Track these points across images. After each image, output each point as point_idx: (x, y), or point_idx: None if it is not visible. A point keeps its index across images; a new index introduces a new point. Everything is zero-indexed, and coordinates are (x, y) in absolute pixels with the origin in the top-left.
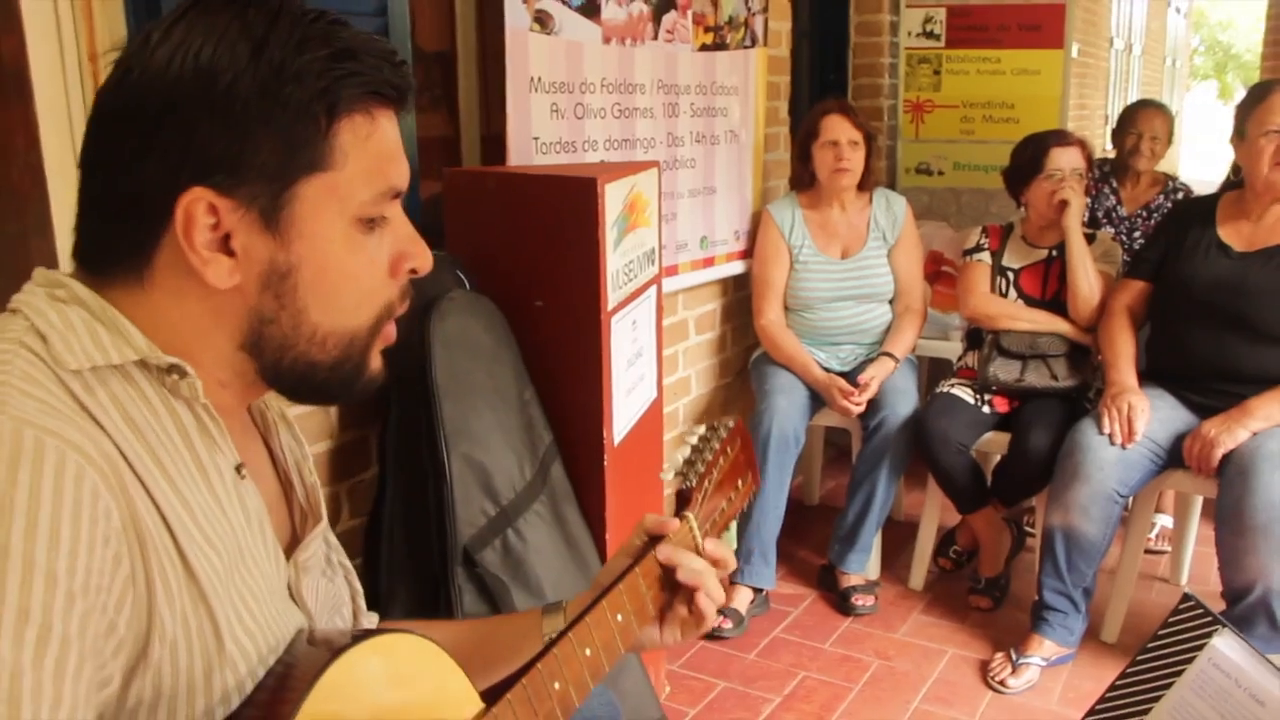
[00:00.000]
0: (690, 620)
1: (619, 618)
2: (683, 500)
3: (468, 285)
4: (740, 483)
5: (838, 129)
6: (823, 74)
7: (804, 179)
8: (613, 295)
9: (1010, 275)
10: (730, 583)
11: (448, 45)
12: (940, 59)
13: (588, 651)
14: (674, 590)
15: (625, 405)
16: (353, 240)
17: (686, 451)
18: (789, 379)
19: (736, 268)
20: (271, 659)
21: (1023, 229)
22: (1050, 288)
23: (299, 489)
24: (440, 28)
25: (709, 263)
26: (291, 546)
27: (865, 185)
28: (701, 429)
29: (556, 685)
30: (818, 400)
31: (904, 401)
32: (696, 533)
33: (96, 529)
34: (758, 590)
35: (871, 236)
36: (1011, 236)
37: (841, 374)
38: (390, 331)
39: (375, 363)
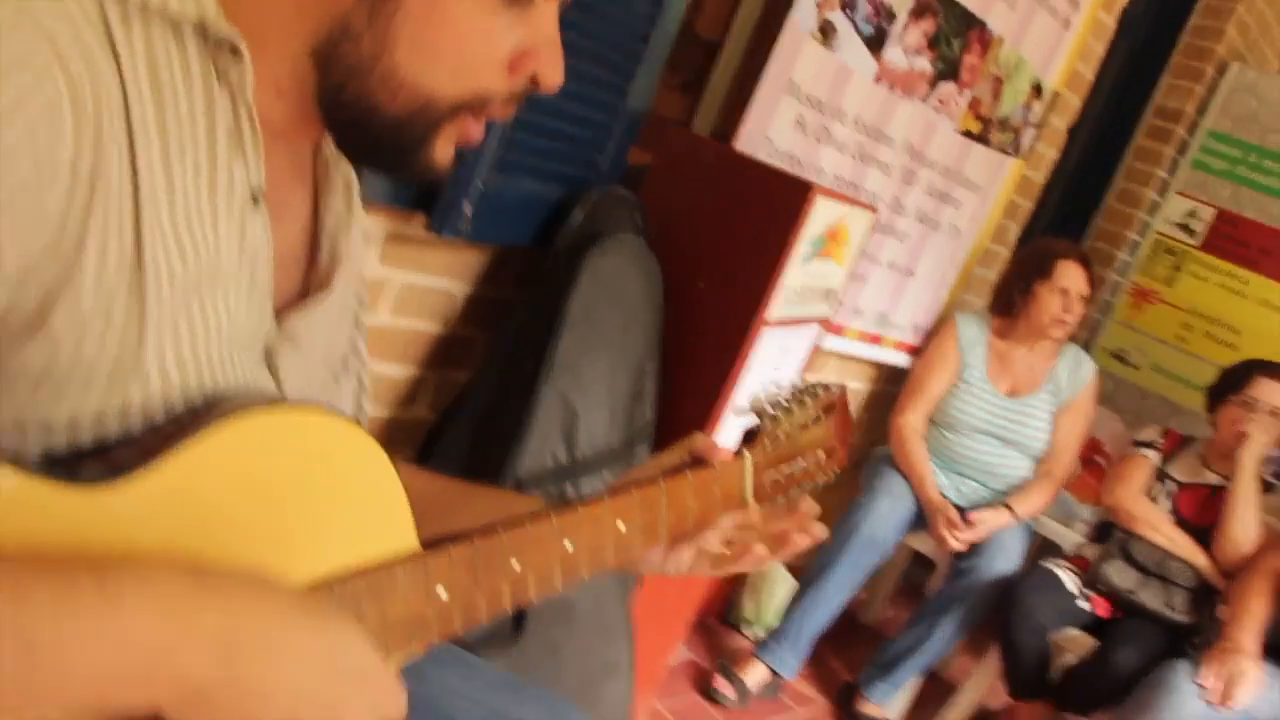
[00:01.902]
0: (703, 556)
1: (620, 525)
2: (748, 439)
3: (644, 236)
4: (823, 455)
5: (1074, 278)
6: (1063, 219)
7: (1009, 308)
8: (777, 306)
9: (1171, 486)
10: (752, 655)
11: (719, 35)
12: (1187, 257)
13: (568, 544)
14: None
15: (734, 423)
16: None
17: (776, 392)
18: (901, 486)
19: (899, 359)
20: (200, 404)
21: (1203, 447)
22: (1207, 516)
23: (325, 255)
24: (720, 18)
25: (875, 340)
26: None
27: (1062, 338)
28: (801, 380)
29: (515, 564)
30: (919, 520)
31: (1004, 559)
32: (748, 477)
33: (36, 143)
34: (776, 674)
35: (1045, 388)
36: (1188, 449)
37: (956, 506)
38: (474, 131)
39: (443, 150)
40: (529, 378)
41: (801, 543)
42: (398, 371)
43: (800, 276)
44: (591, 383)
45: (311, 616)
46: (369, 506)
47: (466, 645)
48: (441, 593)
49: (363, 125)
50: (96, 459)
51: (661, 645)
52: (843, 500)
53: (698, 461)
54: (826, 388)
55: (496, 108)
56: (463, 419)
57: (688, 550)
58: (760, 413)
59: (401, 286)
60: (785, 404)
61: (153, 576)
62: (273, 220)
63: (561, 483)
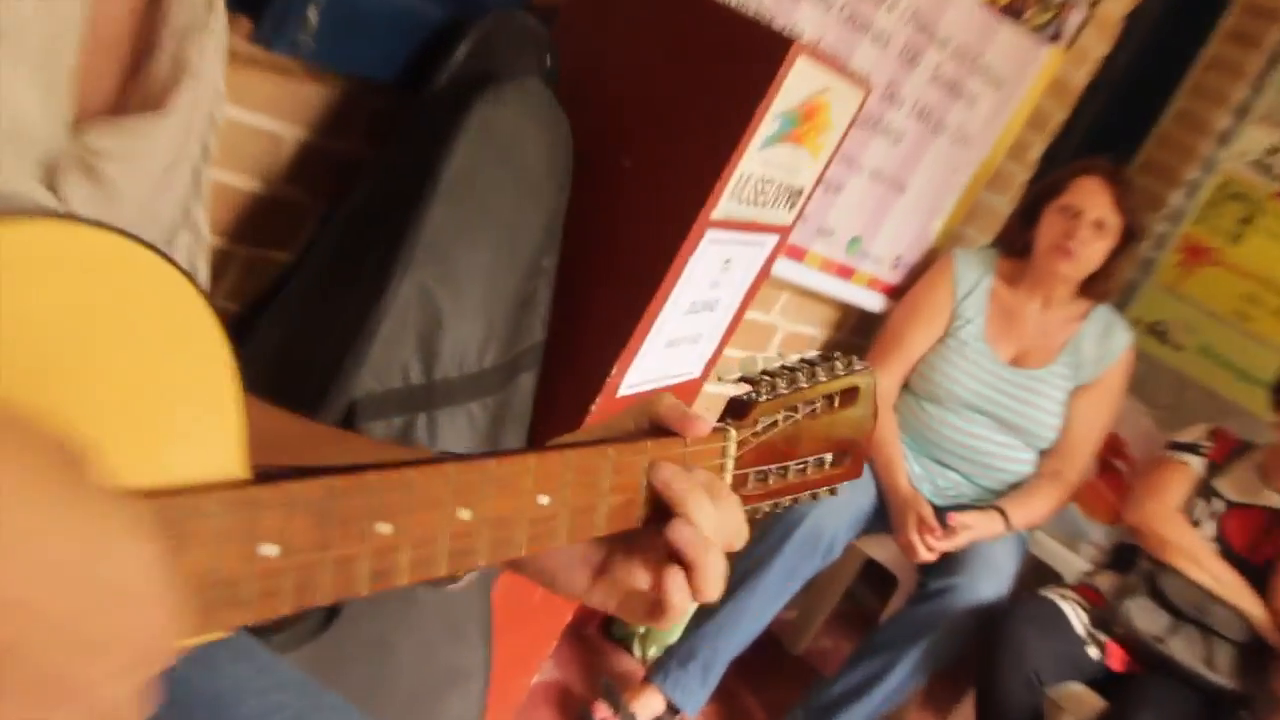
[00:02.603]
0: (642, 598)
1: (542, 499)
2: (734, 412)
3: (552, 86)
4: (830, 459)
5: (1091, 198)
6: (1102, 139)
7: (1016, 244)
8: (726, 203)
9: (1218, 505)
10: (644, 680)
11: None
12: (1261, 208)
13: (464, 513)
14: (651, 523)
15: (658, 356)
16: None
17: (777, 362)
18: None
19: (873, 302)
20: None
21: (1264, 458)
22: (1264, 550)
23: (163, 60)
24: None
25: (845, 273)
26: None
27: (1091, 292)
28: (816, 353)
29: (385, 528)
30: (880, 519)
31: (990, 581)
32: (729, 461)
33: None
34: (674, 709)
35: (1062, 359)
36: (1243, 459)
37: (931, 503)
38: None
39: None
40: (379, 263)
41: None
42: None
43: (760, 164)
44: (466, 278)
45: (73, 494)
46: (179, 391)
47: (253, 630)
48: (269, 550)
49: None
50: None
51: (525, 655)
52: None
53: (660, 431)
54: (852, 363)
55: None
56: (278, 314)
57: (604, 586)
58: (754, 381)
59: None
60: (793, 375)
61: None
62: None
63: (411, 412)
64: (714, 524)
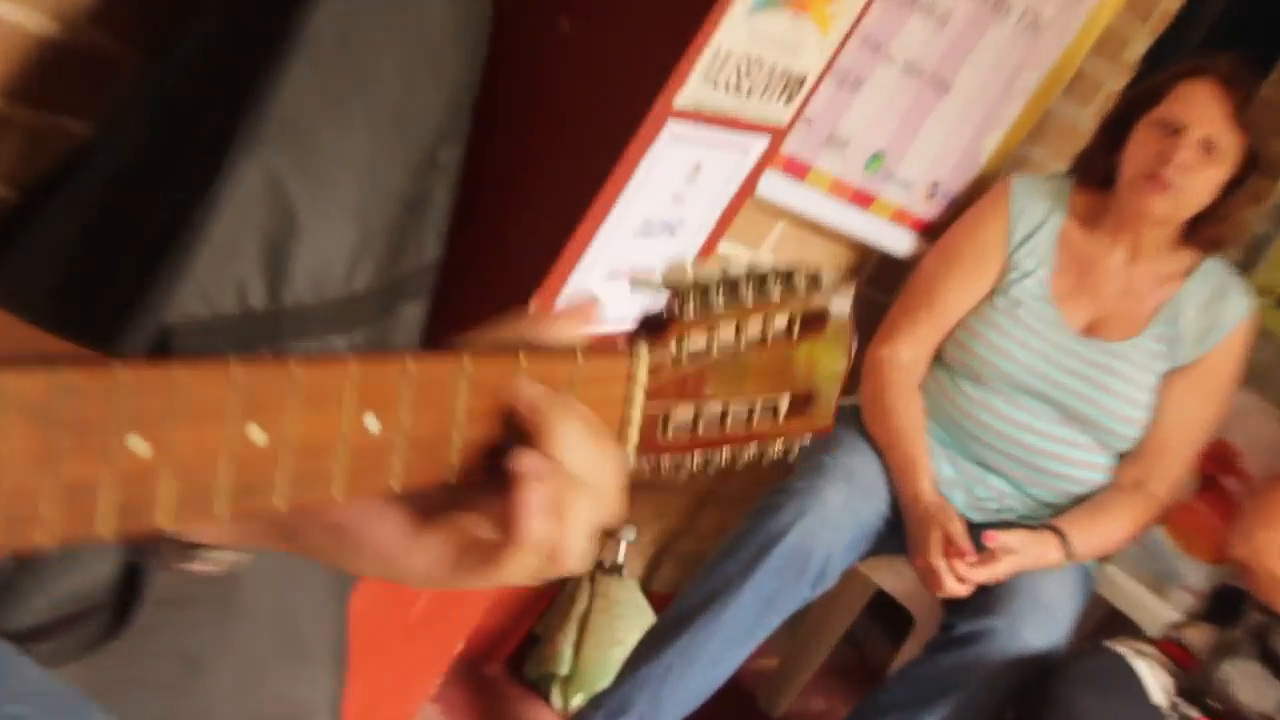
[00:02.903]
0: (476, 549)
1: (370, 424)
2: (647, 328)
3: None
4: (785, 402)
5: (1199, 110)
6: (1232, 38)
7: (1097, 171)
8: (696, 86)
9: None
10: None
11: None
12: None
13: (256, 435)
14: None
15: (603, 280)
16: None
17: (716, 269)
18: (869, 471)
19: (900, 241)
20: None
21: None
22: None
23: None
24: None
25: (862, 201)
26: None
27: (1198, 240)
28: (770, 263)
29: (139, 445)
30: (893, 537)
31: (1039, 626)
32: (637, 390)
33: None
34: None
35: (1154, 330)
36: None
37: (964, 518)
38: None
39: None
40: (212, 139)
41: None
42: None
43: (747, 37)
44: (332, 167)
45: None
46: None
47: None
48: None
49: None
50: None
51: (396, 692)
52: (756, 479)
53: (539, 348)
54: (819, 279)
55: None
56: (70, 205)
57: (439, 538)
58: (680, 291)
59: None
60: (734, 288)
61: None
62: None
63: (248, 345)
64: (586, 466)
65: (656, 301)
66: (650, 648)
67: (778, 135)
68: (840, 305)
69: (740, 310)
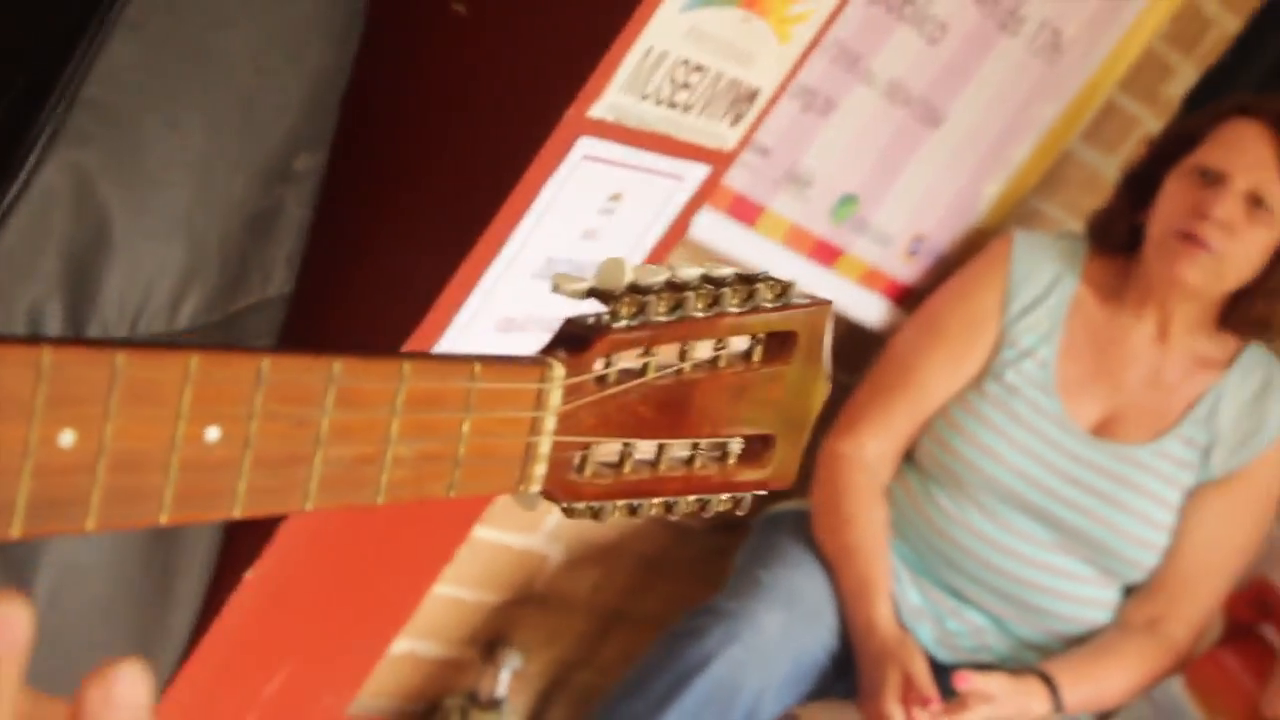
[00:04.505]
0: None
1: (210, 435)
2: (567, 341)
3: None
4: (742, 445)
5: (1245, 156)
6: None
7: (1118, 230)
8: (618, 94)
9: None
10: None
11: None
12: None
13: (66, 438)
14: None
15: (483, 341)
16: None
17: (661, 274)
18: (816, 592)
19: (870, 308)
20: None
21: None
22: None
23: None
24: None
25: (827, 256)
26: None
27: (1240, 321)
28: (732, 269)
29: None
30: (841, 676)
31: None
32: (547, 417)
33: None
34: None
35: (1182, 431)
36: None
37: (931, 659)
38: None
39: None
40: (4, 130)
41: None
42: None
43: (684, 36)
44: (157, 168)
45: None
46: None
47: None
48: None
49: None
50: None
51: None
52: (677, 598)
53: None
54: (788, 292)
55: None
56: None
57: None
58: (611, 298)
59: None
60: (680, 297)
61: None
62: None
63: None
64: None
65: (581, 308)
66: None
67: (721, 163)
68: (812, 325)
69: (686, 326)
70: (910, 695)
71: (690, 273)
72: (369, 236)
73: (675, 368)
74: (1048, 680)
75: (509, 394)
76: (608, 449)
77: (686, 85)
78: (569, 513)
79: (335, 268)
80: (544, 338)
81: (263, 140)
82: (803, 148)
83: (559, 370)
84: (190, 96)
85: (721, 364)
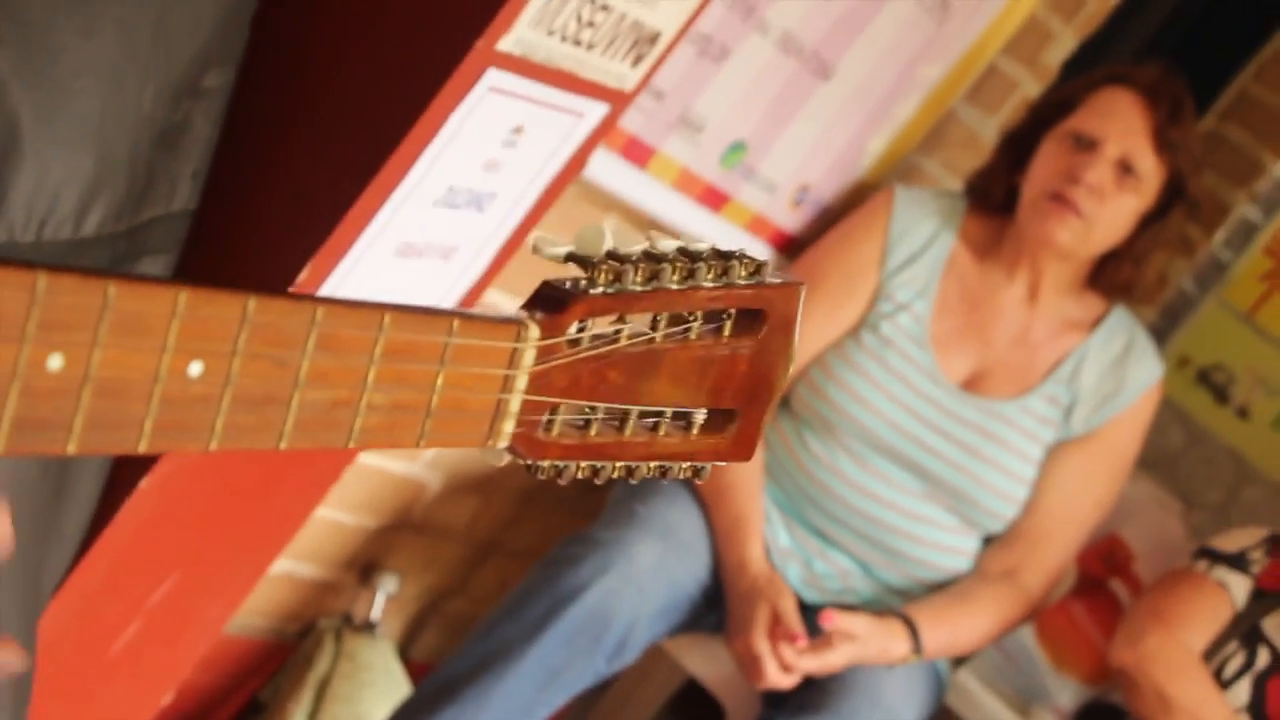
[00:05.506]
0: None
1: (193, 370)
2: (544, 303)
3: None
4: (705, 416)
5: (1116, 123)
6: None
7: (995, 190)
8: (525, 30)
9: (1263, 658)
10: None
11: None
12: None
13: (54, 361)
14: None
15: (379, 267)
16: None
17: (638, 244)
18: (689, 527)
19: (757, 255)
20: None
21: None
22: None
23: None
24: None
25: (714, 200)
26: None
27: (1106, 282)
28: (709, 244)
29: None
30: (710, 610)
31: None
32: (520, 376)
33: None
34: None
35: (1047, 388)
36: None
37: (799, 598)
38: None
39: None
40: None
41: None
42: None
43: None
44: (67, 76)
45: None
46: None
47: None
48: None
49: None
50: None
51: None
52: (553, 530)
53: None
54: (762, 270)
55: None
56: None
57: None
58: (590, 264)
59: None
60: (655, 268)
61: None
62: None
63: None
64: None
65: (559, 273)
66: (399, 715)
67: (619, 103)
68: (785, 307)
69: (661, 296)
70: (777, 631)
71: (667, 245)
72: (274, 157)
73: (647, 336)
74: (909, 623)
75: (484, 351)
76: (575, 411)
77: (592, 24)
78: (531, 470)
79: (239, 186)
80: (439, 265)
81: (174, 54)
82: (696, 93)
83: (534, 331)
84: (103, 5)
85: (692, 336)
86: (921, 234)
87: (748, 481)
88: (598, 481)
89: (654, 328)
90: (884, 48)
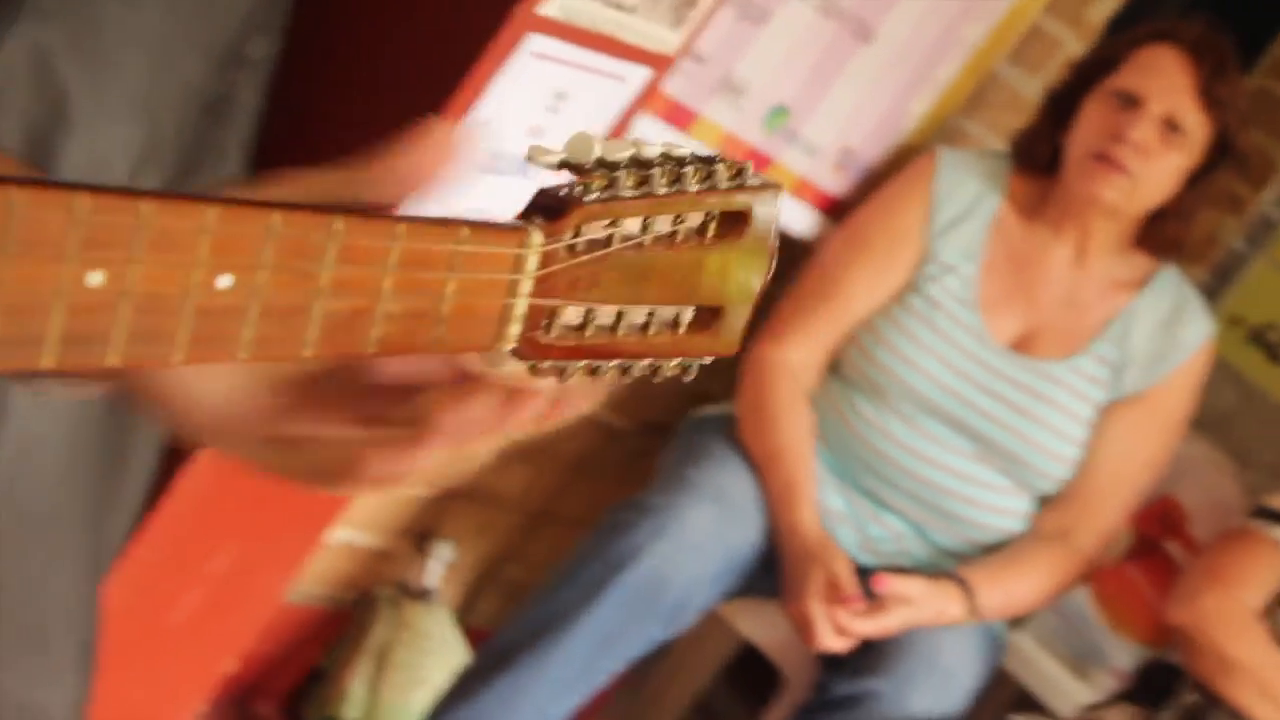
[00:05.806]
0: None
1: (223, 283)
2: (543, 209)
3: None
4: (693, 314)
5: (1160, 81)
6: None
7: (1040, 151)
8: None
9: None
10: None
11: None
12: None
13: (94, 278)
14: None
15: (443, 213)
16: None
17: (626, 150)
18: (743, 492)
19: (799, 219)
20: None
21: None
22: None
23: None
24: None
25: (758, 165)
26: None
27: (1154, 242)
28: (691, 149)
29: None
30: (765, 576)
31: (931, 691)
32: (525, 280)
33: None
34: None
35: (1096, 349)
36: None
37: (854, 562)
38: None
39: None
40: None
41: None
42: None
43: None
44: (115, 48)
45: None
46: None
47: None
48: None
49: None
50: None
51: (153, 705)
52: (605, 497)
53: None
54: (743, 173)
55: None
56: None
57: (337, 406)
58: (583, 171)
59: None
60: (645, 174)
61: None
62: None
63: None
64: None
65: (553, 179)
66: (462, 691)
67: (661, 67)
68: (765, 209)
69: (650, 201)
70: (832, 594)
71: (652, 150)
72: (318, 123)
73: (637, 239)
74: (963, 585)
75: (491, 257)
76: (572, 313)
77: None
78: (535, 371)
79: (284, 156)
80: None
81: (217, 24)
82: (737, 56)
83: (537, 237)
84: None
85: (679, 238)
86: (966, 196)
87: (799, 445)
88: (596, 379)
89: (644, 231)
90: (925, 8)
